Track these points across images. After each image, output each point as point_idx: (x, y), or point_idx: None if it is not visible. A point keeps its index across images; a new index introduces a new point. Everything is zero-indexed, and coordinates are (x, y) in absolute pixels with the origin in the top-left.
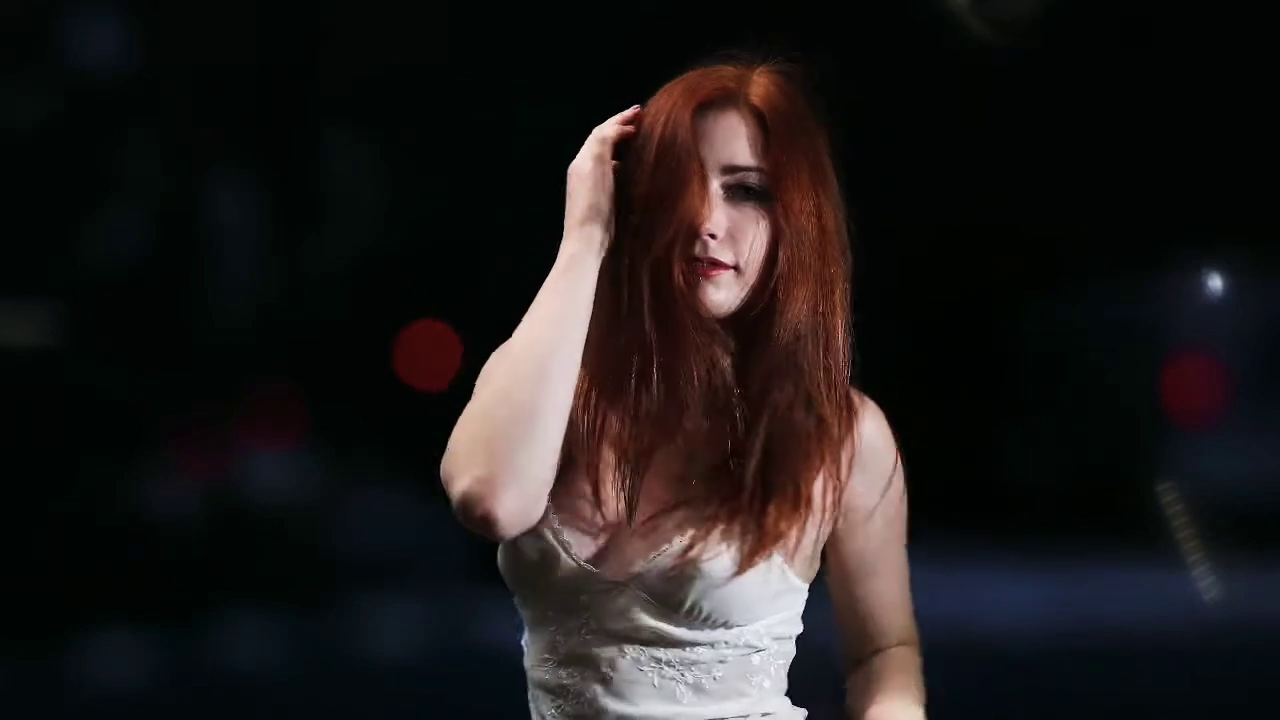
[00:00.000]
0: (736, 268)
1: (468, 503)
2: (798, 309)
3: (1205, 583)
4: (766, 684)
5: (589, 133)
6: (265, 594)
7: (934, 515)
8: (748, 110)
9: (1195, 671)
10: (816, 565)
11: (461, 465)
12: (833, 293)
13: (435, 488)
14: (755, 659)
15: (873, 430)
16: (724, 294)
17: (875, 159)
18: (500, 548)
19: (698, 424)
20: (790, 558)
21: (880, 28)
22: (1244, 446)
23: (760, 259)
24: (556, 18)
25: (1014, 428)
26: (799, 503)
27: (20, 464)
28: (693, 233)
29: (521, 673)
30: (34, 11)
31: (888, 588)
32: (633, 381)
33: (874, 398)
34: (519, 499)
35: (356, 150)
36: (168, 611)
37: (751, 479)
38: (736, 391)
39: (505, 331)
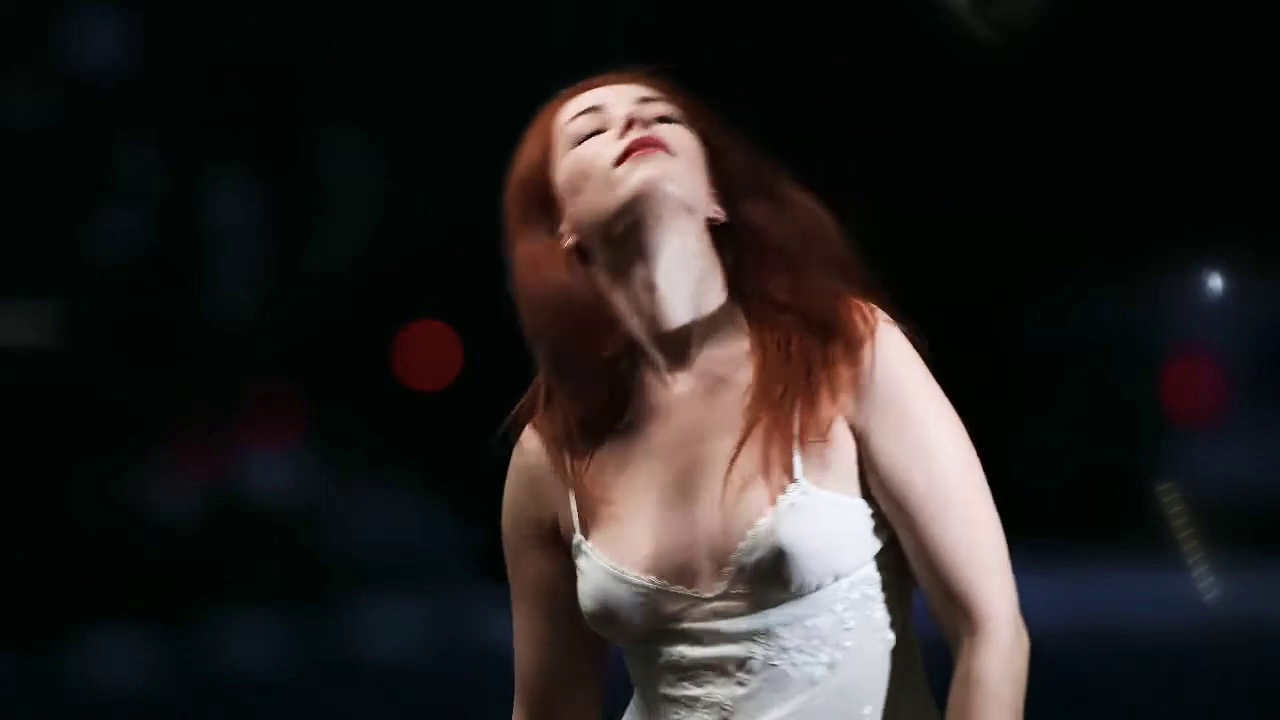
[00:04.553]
0: (668, 150)
1: None
2: (764, 212)
3: (1205, 583)
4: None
5: None
6: (265, 594)
7: None
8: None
9: (1195, 671)
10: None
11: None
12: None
13: (435, 487)
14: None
15: (887, 353)
16: (664, 167)
17: (876, 158)
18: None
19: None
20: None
21: (881, 28)
22: (1244, 446)
23: (692, 152)
24: (557, 17)
25: (1014, 428)
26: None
27: (20, 464)
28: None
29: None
30: (34, 11)
31: (940, 536)
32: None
33: None
34: None
35: (356, 150)
36: (168, 611)
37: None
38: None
39: (506, 331)
